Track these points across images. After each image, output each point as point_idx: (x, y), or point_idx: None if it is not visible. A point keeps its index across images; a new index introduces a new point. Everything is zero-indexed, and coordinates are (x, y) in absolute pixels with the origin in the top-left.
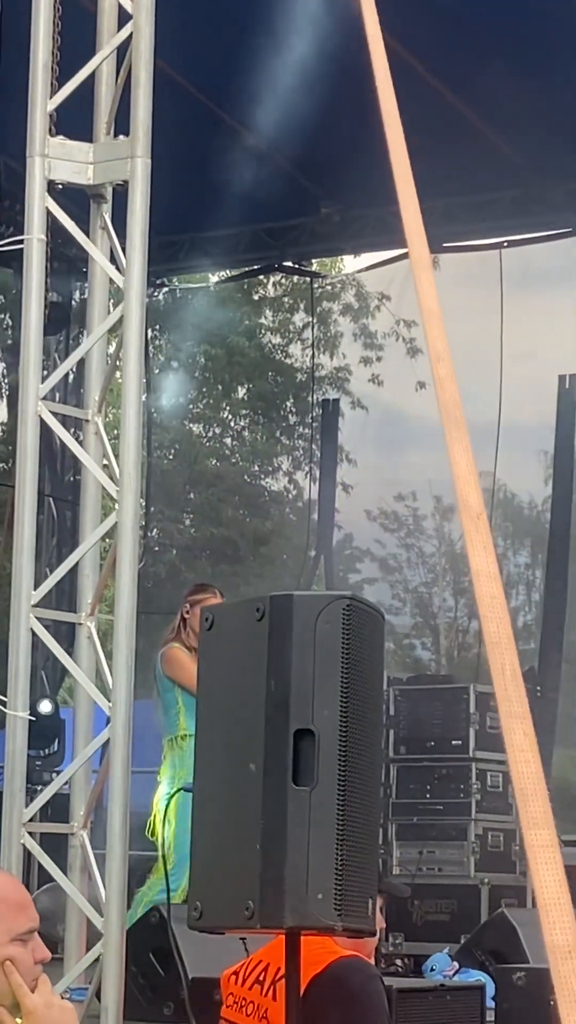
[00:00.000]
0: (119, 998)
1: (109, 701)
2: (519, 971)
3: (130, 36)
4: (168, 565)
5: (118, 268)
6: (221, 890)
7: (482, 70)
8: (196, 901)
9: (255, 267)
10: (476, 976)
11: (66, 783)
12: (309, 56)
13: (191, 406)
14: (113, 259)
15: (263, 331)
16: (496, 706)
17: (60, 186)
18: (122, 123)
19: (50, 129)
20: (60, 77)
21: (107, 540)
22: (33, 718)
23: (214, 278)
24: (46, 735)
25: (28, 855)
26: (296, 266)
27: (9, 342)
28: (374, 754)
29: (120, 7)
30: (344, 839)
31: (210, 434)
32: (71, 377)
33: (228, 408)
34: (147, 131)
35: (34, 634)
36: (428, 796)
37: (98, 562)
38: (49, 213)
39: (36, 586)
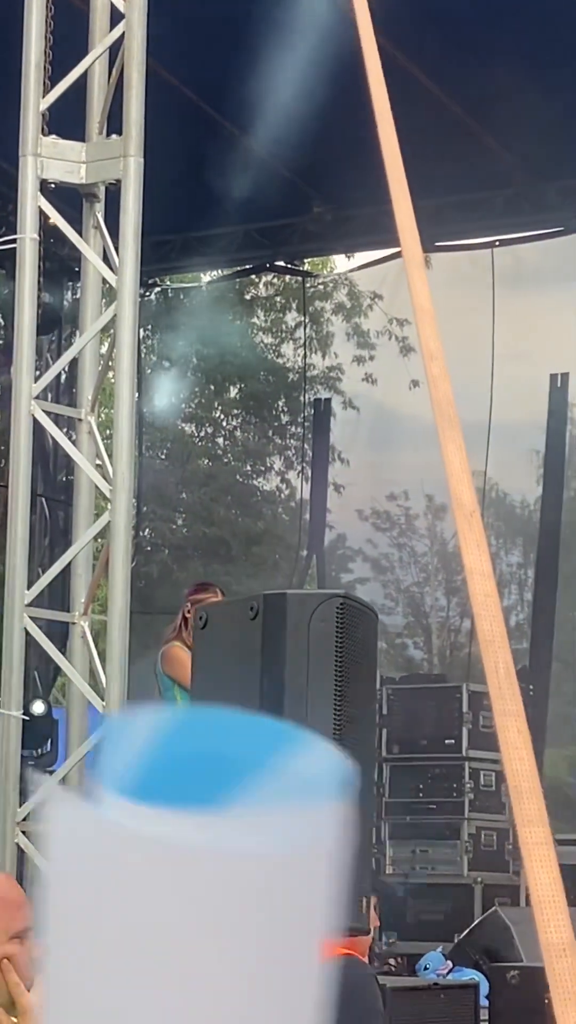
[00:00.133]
0: None
1: (103, 700)
2: (513, 970)
3: (122, 36)
4: (160, 565)
5: (111, 267)
6: None
7: (474, 70)
8: None
9: (247, 267)
10: (470, 975)
11: (60, 782)
12: (302, 56)
13: (183, 406)
14: (106, 258)
15: (255, 331)
16: (489, 705)
17: (53, 185)
18: (114, 122)
19: (43, 128)
20: (52, 77)
21: (99, 540)
22: (27, 717)
23: (206, 278)
24: (39, 735)
25: (22, 853)
26: (288, 266)
27: (1, 342)
28: (367, 751)
29: (112, 7)
30: None
31: (202, 434)
32: (63, 377)
33: (220, 408)
34: (140, 130)
35: (27, 634)
36: (421, 795)
37: (91, 562)
38: (41, 212)
39: (29, 586)
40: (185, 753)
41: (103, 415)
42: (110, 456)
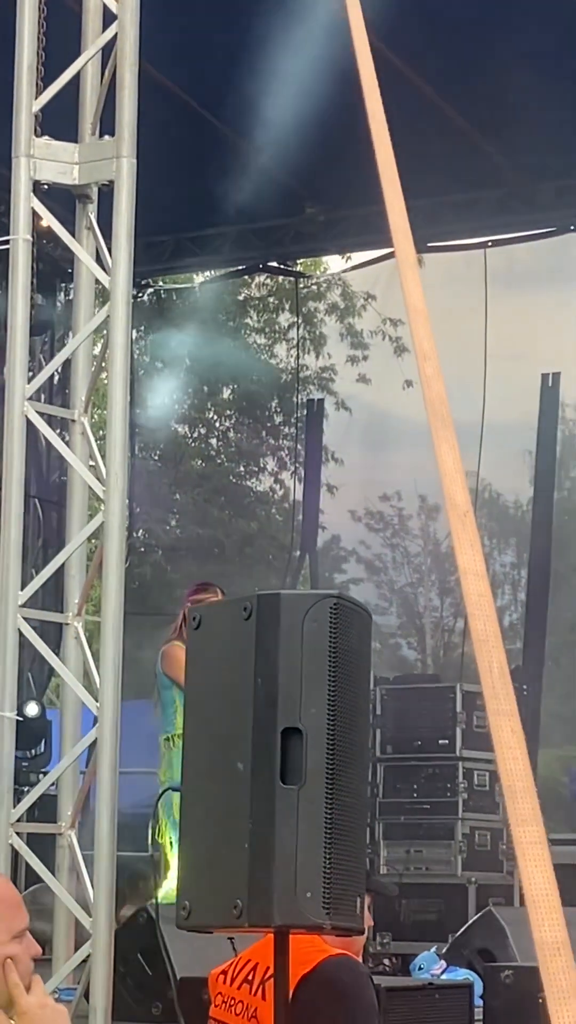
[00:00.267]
0: (107, 998)
1: (96, 701)
2: (507, 969)
3: (115, 36)
4: (154, 566)
5: (104, 268)
6: (209, 889)
7: (468, 71)
8: (184, 900)
9: (240, 268)
10: (464, 975)
11: (53, 784)
12: (294, 57)
13: (176, 407)
14: (99, 259)
15: (248, 332)
16: (483, 705)
17: (45, 186)
18: (107, 123)
19: (35, 130)
20: (45, 78)
21: (93, 541)
22: (20, 718)
23: (199, 279)
24: (33, 736)
25: (16, 855)
26: (281, 267)
27: None
28: (361, 753)
29: (105, 7)
30: (332, 838)
31: (195, 435)
32: (56, 378)
33: (213, 409)
34: (132, 131)
35: (21, 635)
36: (415, 795)
37: (84, 562)
38: (34, 214)
39: (23, 587)
40: None
41: (96, 416)
42: (103, 457)
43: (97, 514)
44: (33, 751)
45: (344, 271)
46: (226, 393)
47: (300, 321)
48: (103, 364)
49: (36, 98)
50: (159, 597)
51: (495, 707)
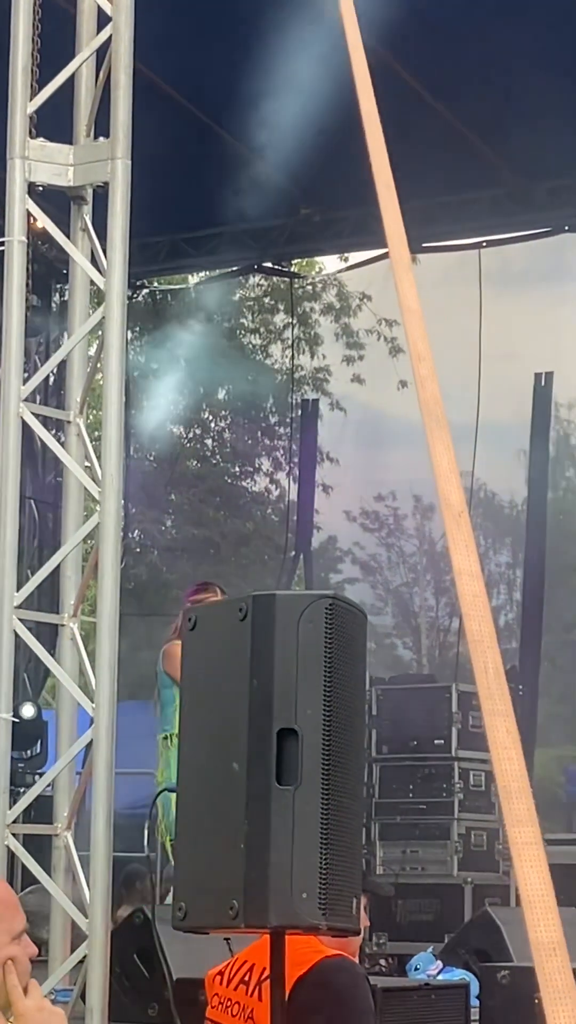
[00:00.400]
0: (104, 999)
1: (92, 702)
2: (503, 970)
3: (109, 38)
4: (149, 566)
5: (99, 270)
6: (205, 890)
7: (463, 72)
8: (180, 901)
9: (235, 268)
10: (460, 975)
11: (49, 785)
12: (289, 58)
13: (171, 407)
14: (94, 261)
15: (243, 332)
16: (478, 705)
17: (40, 188)
18: (102, 125)
19: (30, 131)
20: (40, 79)
21: (89, 542)
22: (16, 719)
23: (194, 279)
24: (28, 737)
25: (12, 856)
26: (276, 267)
27: None
28: (357, 753)
29: (99, 9)
30: (328, 838)
31: (190, 435)
32: (52, 379)
33: (208, 409)
34: (127, 133)
35: (16, 636)
36: (411, 795)
37: (80, 563)
38: (29, 215)
39: (18, 588)
40: None
41: (91, 417)
42: (99, 458)
43: (93, 515)
44: (29, 752)
45: (339, 271)
46: (221, 394)
47: (295, 322)
48: (98, 365)
49: (31, 100)
50: (155, 598)
51: (490, 708)
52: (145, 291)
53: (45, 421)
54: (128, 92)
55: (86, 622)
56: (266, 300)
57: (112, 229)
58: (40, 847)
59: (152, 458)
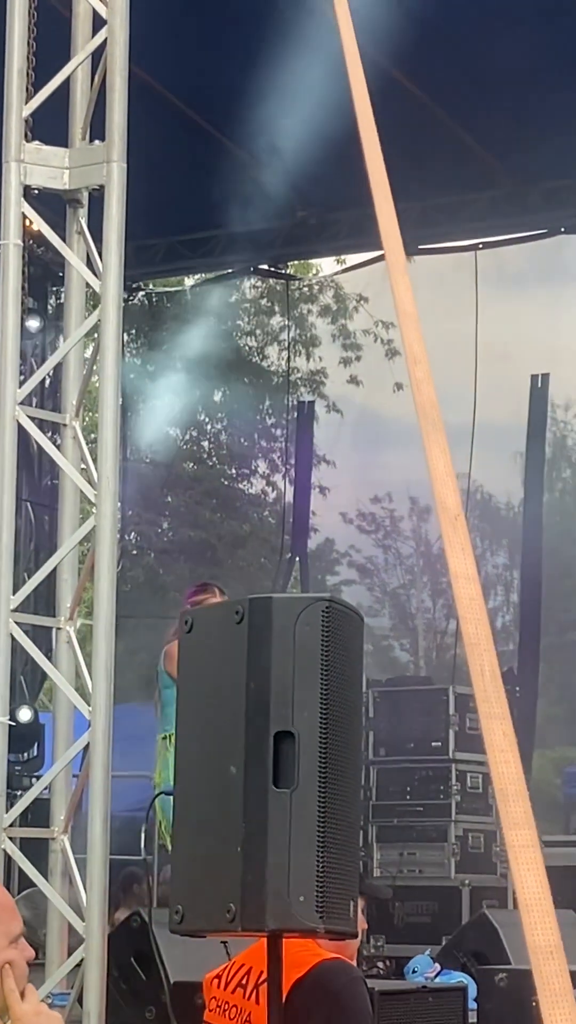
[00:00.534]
0: (101, 1003)
1: (89, 705)
2: (501, 972)
3: (105, 41)
4: (146, 569)
5: (95, 273)
6: (202, 893)
7: (458, 74)
8: (177, 905)
9: (231, 271)
10: (458, 977)
11: (46, 788)
12: (286, 61)
13: (167, 409)
14: (90, 264)
15: (240, 334)
16: (475, 707)
17: (36, 191)
18: (98, 128)
19: (26, 134)
20: (35, 83)
21: (85, 544)
22: (13, 723)
23: (190, 281)
24: (25, 739)
25: (8, 860)
26: (272, 269)
27: None
28: (354, 756)
29: (95, 12)
30: (325, 841)
31: (187, 437)
32: (48, 382)
33: (204, 411)
34: (123, 136)
35: (13, 639)
36: (408, 798)
37: (76, 566)
38: (25, 218)
39: (15, 591)
40: None
41: (87, 419)
42: (95, 461)
43: (89, 518)
44: (26, 755)
45: (335, 274)
46: (217, 396)
47: (291, 324)
48: (94, 368)
49: (26, 103)
50: (151, 600)
51: (487, 710)
52: (141, 294)
53: (41, 424)
54: (123, 95)
55: (83, 625)
56: (262, 302)
57: (108, 232)
58: (37, 850)
59: (148, 460)
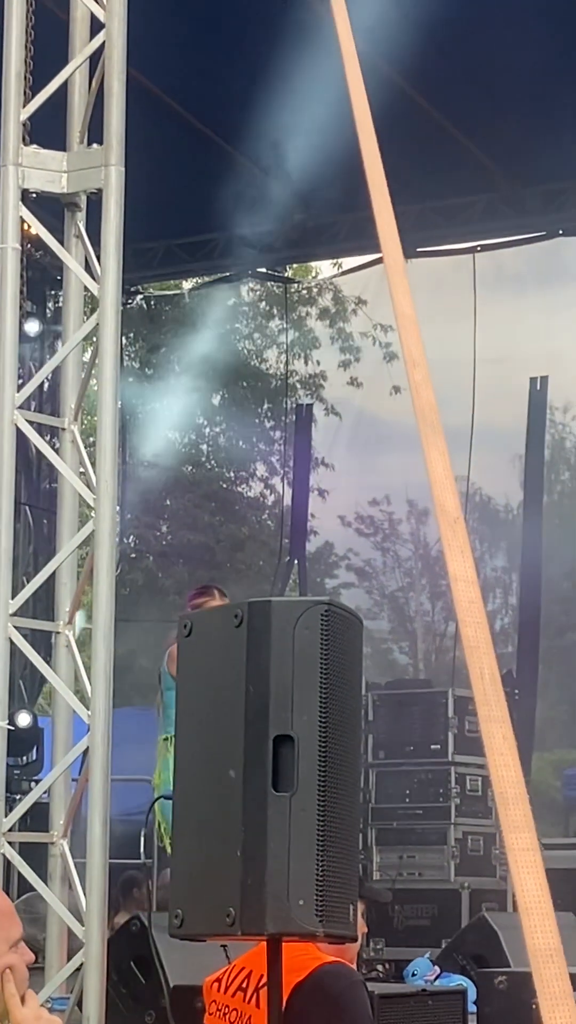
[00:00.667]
0: (101, 1007)
1: (88, 709)
2: (500, 975)
3: (103, 45)
4: (145, 572)
5: (93, 276)
6: (202, 897)
7: (456, 77)
8: (177, 908)
9: (229, 274)
10: (457, 980)
11: (45, 792)
12: (284, 64)
13: (166, 412)
14: (88, 267)
15: (238, 337)
16: (475, 709)
17: (34, 195)
18: (95, 131)
19: (23, 138)
20: (33, 86)
21: (84, 548)
22: (11, 727)
23: (188, 285)
24: (24, 743)
25: (8, 865)
26: (270, 272)
27: None
28: (354, 759)
29: (92, 16)
30: (324, 845)
31: (185, 440)
32: (47, 386)
33: (203, 414)
34: (120, 139)
35: (12, 643)
36: (407, 801)
37: (75, 570)
38: (23, 222)
39: (13, 595)
40: None
41: (86, 423)
42: (93, 464)
43: (88, 522)
44: (25, 758)
45: (333, 277)
46: (216, 399)
47: (289, 327)
48: (92, 372)
49: (24, 107)
50: (151, 603)
51: (486, 713)
52: (140, 297)
53: (40, 428)
54: (121, 98)
55: (84, 629)
56: (261, 305)
57: (106, 235)
58: (37, 855)
59: (147, 464)
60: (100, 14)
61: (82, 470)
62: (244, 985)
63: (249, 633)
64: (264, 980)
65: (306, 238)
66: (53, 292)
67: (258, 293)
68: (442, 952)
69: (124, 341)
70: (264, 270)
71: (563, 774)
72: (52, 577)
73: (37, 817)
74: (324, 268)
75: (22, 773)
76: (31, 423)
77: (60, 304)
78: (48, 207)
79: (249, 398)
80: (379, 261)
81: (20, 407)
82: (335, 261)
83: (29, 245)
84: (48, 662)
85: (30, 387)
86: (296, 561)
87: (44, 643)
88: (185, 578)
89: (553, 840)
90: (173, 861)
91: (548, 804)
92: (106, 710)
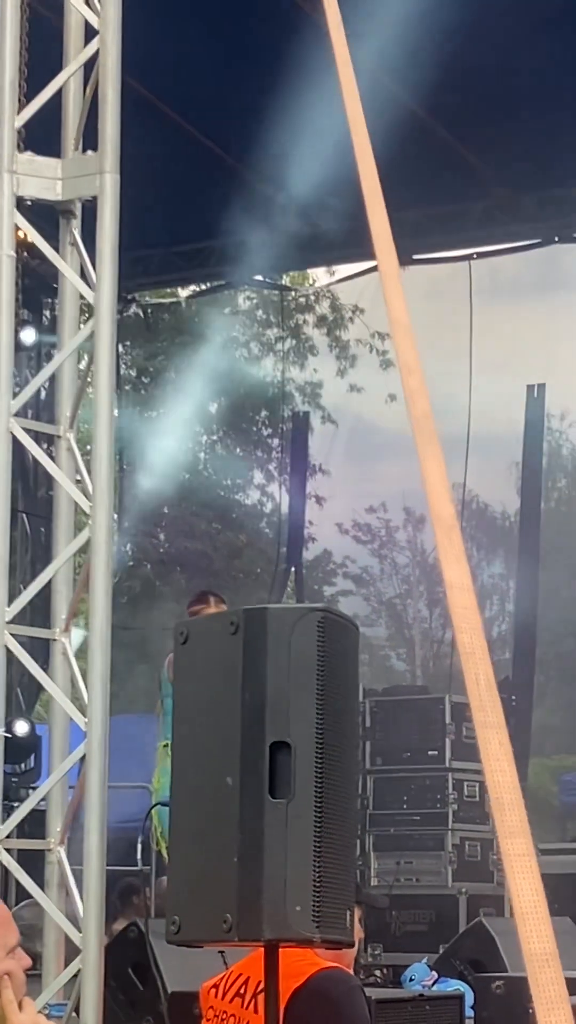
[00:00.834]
0: (98, 1013)
1: (85, 716)
2: (497, 980)
3: (97, 51)
4: (143, 580)
5: (88, 284)
6: (199, 903)
7: (452, 84)
8: (174, 915)
9: (226, 281)
10: (455, 985)
11: (43, 799)
12: (276, 70)
13: (163, 420)
14: (84, 275)
15: (235, 345)
16: (472, 716)
17: (29, 202)
18: (90, 138)
19: (18, 145)
20: (28, 93)
21: (81, 556)
22: (9, 735)
23: (185, 292)
24: (22, 751)
25: (5, 872)
26: (267, 280)
27: None
28: (350, 765)
29: (87, 23)
30: (321, 851)
31: (183, 448)
32: (43, 394)
33: (200, 422)
34: (115, 146)
35: (9, 651)
36: (405, 807)
37: (72, 578)
38: (17, 229)
39: (10, 603)
40: None
41: (83, 430)
42: (89, 472)
43: (83, 529)
44: (23, 766)
45: (330, 284)
46: (213, 407)
47: (286, 334)
48: (88, 380)
49: (18, 113)
50: (148, 611)
51: (482, 719)
52: (136, 305)
53: (37, 436)
54: (116, 105)
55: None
56: (258, 313)
57: (101, 243)
58: (35, 862)
59: (145, 472)
60: (94, 20)
61: (78, 478)
62: (242, 991)
63: (245, 640)
64: (262, 986)
65: (302, 245)
66: (50, 301)
67: (255, 301)
68: (440, 957)
69: (121, 349)
70: (261, 278)
71: (560, 780)
72: (50, 585)
73: (35, 824)
74: (320, 276)
75: (20, 781)
76: (28, 431)
77: (57, 312)
78: (44, 215)
79: (246, 405)
80: (375, 268)
81: (16, 415)
82: (328, 269)
83: (25, 253)
84: (46, 670)
85: (25, 394)
86: (293, 568)
87: (43, 651)
88: (183, 586)
89: (550, 845)
90: (170, 868)
91: (545, 810)
92: (103, 717)
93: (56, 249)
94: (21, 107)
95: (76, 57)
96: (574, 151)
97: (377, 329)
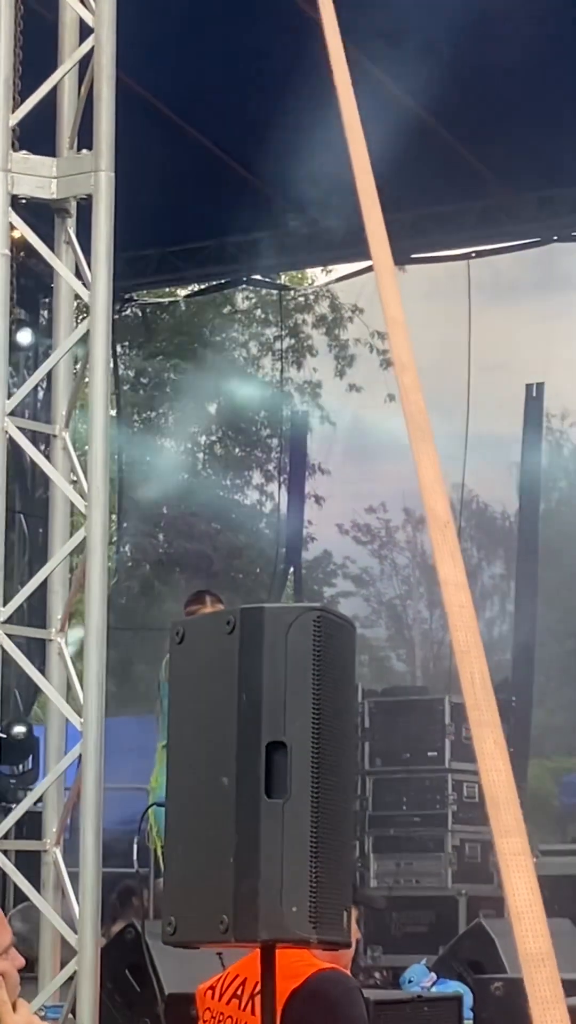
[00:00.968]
0: (94, 1015)
1: (81, 717)
2: (497, 981)
3: (92, 49)
4: (141, 580)
5: (84, 283)
6: (195, 904)
7: (451, 83)
8: (170, 916)
9: (224, 281)
10: (454, 987)
11: (39, 800)
12: (275, 70)
13: (160, 420)
14: (79, 274)
15: (234, 345)
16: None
17: (24, 201)
18: (85, 137)
19: (13, 144)
20: (22, 91)
21: (78, 556)
22: (4, 735)
23: (183, 292)
24: (19, 752)
25: (2, 874)
26: (265, 279)
27: None
28: (347, 765)
29: (81, 21)
30: (318, 851)
31: (181, 448)
32: (40, 393)
33: (198, 423)
34: (110, 144)
35: (4, 651)
36: (404, 808)
37: (67, 578)
38: (12, 228)
39: (5, 603)
40: None
41: (80, 430)
42: (85, 472)
43: (79, 529)
44: (20, 767)
45: (328, 283)
46: (211, 407)
47: (285, 334)
48: (85, 379)
49: (13, 112)
50: (147, 612)
51: (477, 718)
52: (134, 305)
53: (34, 436)
54: (111, 104)
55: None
56: (256, 312)
57: (96, 241)
58: (32, 863)
59: (143, 472)
60: (89, 19)
61: (74, 478)
62: (239, 992)
63: (241, 639)
64: (259, 987)
65: (300, 245)
66: (46, 300)
67: (253, 300)
68: (439, 959)
69: (119, 349)
70: (259, 277)
71: (561, 781)
72: (45, 585)
73: (32, 826)
74: (318, 275)
75: (18, 782)
76: (23, 431)
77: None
78: (40, 213)
79: (245, 405)
80: (371, 268)
81: (11, 414)
82: (324, 268)
83: (21, 253)
84: (43, 671)
85: (21, 393)
86: (292, 569)
87: (39, 652)
88: (182, 586)
89: (551, 846)
90: (166, 868)
91: (545, 811)
92: (99, 718)
93: (51, 248)
94: (16, 105)
95: (71, 55)
96: (574, 151)
97: (376, 329)
